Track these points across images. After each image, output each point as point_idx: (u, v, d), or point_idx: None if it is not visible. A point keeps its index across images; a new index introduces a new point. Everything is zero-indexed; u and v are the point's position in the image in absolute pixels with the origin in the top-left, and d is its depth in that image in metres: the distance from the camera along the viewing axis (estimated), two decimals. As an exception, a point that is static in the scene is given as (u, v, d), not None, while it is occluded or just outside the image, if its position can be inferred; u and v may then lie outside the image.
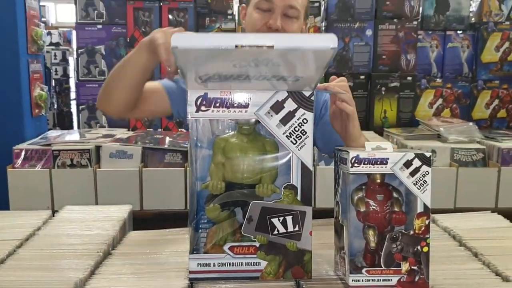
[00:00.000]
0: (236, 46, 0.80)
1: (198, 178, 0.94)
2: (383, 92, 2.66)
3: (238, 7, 2.72)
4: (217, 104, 0.92)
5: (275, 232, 0.94)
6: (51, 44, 4.41)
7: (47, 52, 4.03)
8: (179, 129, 2.68)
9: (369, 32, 2.65)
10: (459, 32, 2.74)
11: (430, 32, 2.74)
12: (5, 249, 1.05)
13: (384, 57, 2.68)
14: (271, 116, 0.92)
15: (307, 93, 0.92)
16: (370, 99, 2.69)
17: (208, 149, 0.93)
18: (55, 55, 4.33)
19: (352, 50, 2.67)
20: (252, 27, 1.34)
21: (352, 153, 0.90)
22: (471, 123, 2.48)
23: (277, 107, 0.92)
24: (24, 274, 0.95)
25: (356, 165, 0.90)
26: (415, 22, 2.67)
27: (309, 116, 0.92)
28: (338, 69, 2.68)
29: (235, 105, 0.92)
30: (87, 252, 1.03)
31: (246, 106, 0.92)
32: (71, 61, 4.54)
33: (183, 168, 2.19)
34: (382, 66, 2.69)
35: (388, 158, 0.90)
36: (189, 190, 0.95)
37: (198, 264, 0.94)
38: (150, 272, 0.97)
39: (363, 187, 0.91)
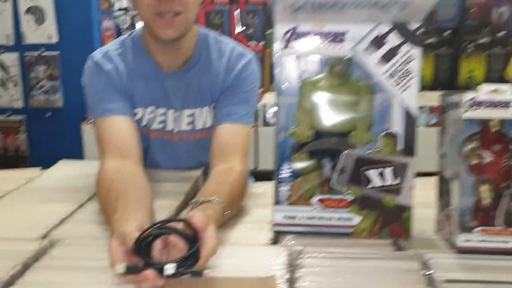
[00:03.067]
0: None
1: (282, 127, 0.85)
2: (470, 49, 2.44)
3: None
4: (307, 39, 0.82)
5: (371, 185, 0.84)
6: (120, 9, 4.42)
7: (116, 17, 4.04)
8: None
9: (457, -18, 2.43)
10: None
11: (527, -19, 2.46)
12: (82, 197, 1.03)
13: (473, 10, 2.44)
14: (371, 53, 0.81)
15: (414, 26, 0.80)
16: (456, 57, 2.48)
17: (294, 94, 0.84)
18: (124, 21, 4.34)
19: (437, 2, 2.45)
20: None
21: (468, 95, 0.77)
22: None
23: (378, 42, 0.80)
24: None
25: (471, 109, 0.77)
26: (510, -30, 2.40)
27: (416, 52, 0.80)
28: (421, 24, 2.48)
29: (328, 40, 0.81)
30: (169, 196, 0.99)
31: (341, 41, 0.81)
32: (139, 26, 4.54)
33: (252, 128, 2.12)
34: (470, 21, 2.46)
35: (510, 102, 0.77)
36: (274, 140, 0.87)
37: (283, 216, 0.86)
38: (233, 225, 0.90)
39: (477, 136, 0.79)
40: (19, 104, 2.70)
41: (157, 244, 0.67)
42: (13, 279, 0.71)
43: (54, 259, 0.77)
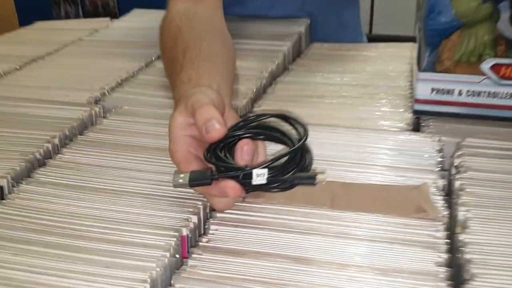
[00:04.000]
0: None
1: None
2: None
3: None
4: None
5: None
6: None
7: None
8: None
9: None
10: None
11: None
12: (151, 53, 0.80)
13: None
14: None
15: None
16: None
17: None
18: None
19: None
20: None
21: None
22: None
23: None
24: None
25: None
26: None
27: None
28: None
29: None
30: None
31: None
32: None
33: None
34: None
35: None
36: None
37: (431, 89, 0.57)
38: (356, 98, 0.63)
39: None
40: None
41: (243, 149, 0.41)
42: (45, 157, 0.52)
43: (102, 132, 0.57)
